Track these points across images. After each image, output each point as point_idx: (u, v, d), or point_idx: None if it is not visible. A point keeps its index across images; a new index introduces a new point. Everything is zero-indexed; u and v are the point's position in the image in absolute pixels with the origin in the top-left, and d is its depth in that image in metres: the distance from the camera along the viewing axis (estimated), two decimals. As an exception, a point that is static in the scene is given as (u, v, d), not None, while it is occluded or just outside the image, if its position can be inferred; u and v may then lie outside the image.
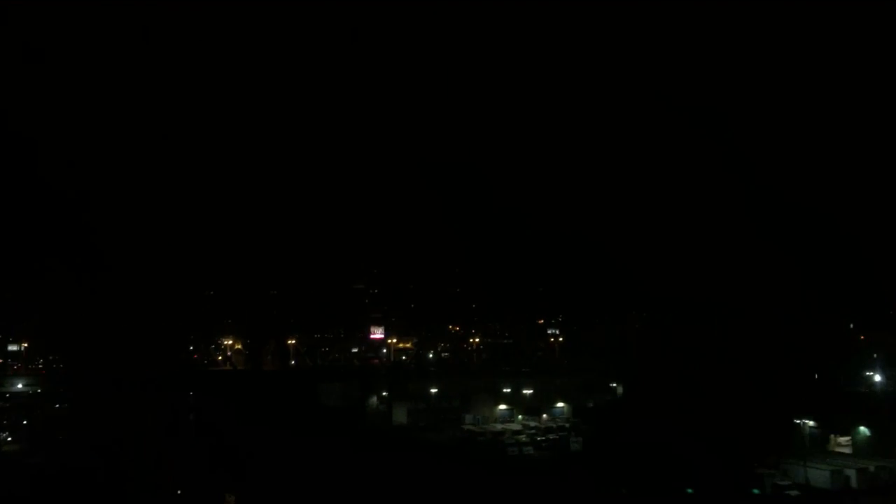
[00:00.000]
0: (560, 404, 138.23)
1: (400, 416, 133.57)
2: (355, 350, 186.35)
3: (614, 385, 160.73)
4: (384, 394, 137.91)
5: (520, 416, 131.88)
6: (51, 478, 77.30)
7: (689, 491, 63.40)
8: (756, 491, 62.75)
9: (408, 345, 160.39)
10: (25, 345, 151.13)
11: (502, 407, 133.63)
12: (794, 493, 61.98)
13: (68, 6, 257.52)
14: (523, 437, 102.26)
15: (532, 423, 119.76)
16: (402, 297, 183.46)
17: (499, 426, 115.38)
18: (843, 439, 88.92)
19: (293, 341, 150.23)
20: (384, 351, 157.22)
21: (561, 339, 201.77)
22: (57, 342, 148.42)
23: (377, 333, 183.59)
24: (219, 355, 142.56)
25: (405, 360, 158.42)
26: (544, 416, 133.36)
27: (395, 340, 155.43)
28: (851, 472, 66.63)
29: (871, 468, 67.79)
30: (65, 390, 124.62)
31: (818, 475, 67.15)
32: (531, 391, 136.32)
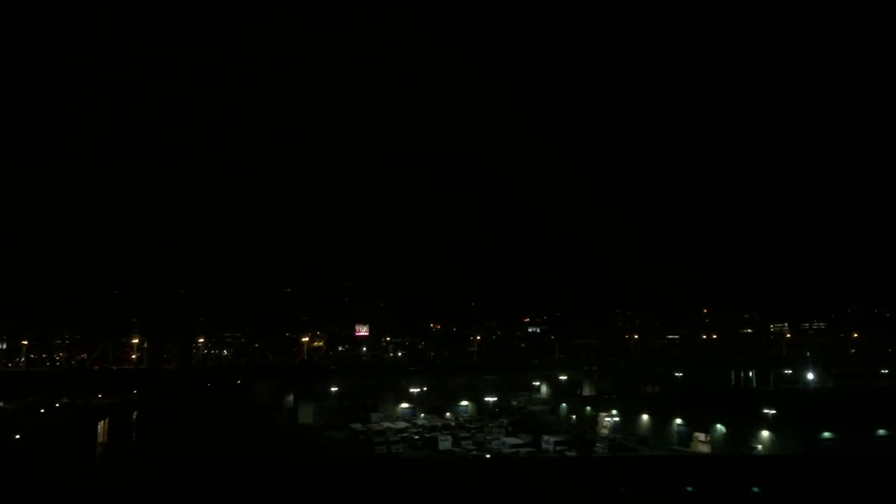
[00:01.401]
0: (464, 402, 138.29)
1: (306, 414, 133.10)
2: (342, 348, 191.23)
3: (537, 384, 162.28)
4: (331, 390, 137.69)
5: (422, 415, 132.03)
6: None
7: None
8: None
9: (320, 343, 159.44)
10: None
11: (405, 405, 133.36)
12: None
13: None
14: (396, 436, 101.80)
15: (420, 423, 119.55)
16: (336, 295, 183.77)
17: (385, 424, 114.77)
18: (704, 436, 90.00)
19: (202, 340, 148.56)
20: (296, 350, 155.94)
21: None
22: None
23: (362, 331, 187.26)
24: (127, 354, 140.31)
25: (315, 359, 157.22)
26: (447, 413, 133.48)
27: (308, 339, 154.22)
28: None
29: None
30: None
31: None
32: (437, 389, 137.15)
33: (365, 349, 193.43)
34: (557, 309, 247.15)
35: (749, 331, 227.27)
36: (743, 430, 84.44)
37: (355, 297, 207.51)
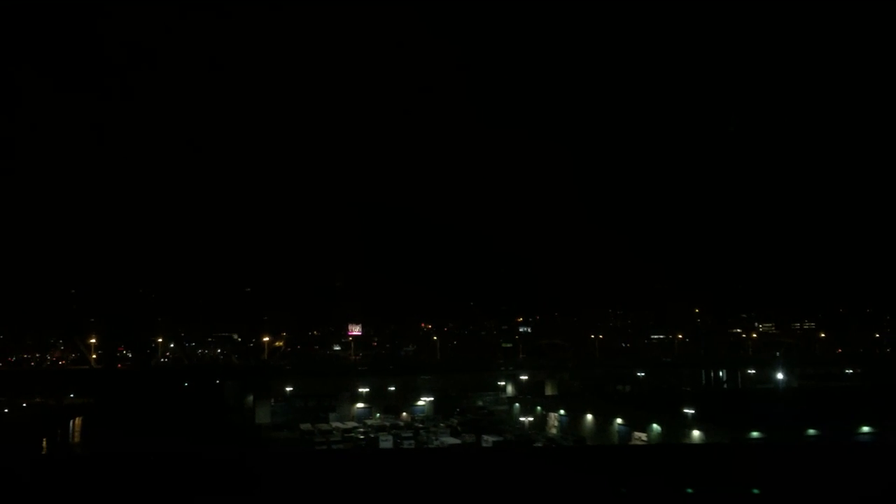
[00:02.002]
0: (421, 402, 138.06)
1: (263, 415, 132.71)
2: (337, 347, 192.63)
3: (502, 383, 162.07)
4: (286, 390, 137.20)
5: (377, 415, 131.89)
6: None
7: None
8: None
9: (280, 343, 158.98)
10: None
11: (360, 405, 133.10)
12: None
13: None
14: (342, 436, 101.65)
15: (371, 422, 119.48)
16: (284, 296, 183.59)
17: (335, 424, 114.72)
18: (642, 435, 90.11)
19: (161, 339, 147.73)
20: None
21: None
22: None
23: (355, 330, 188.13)
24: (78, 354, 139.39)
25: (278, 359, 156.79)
26: (404, 413, 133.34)
27: (268, 339, 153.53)
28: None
29: None
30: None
31: None
32: (393, 389, 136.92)
33: (352, 349, 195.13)
34: (533, 309, 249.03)
35: (736, 331, 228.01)
36: (675, 429, 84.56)
37: (346, 297, 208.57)
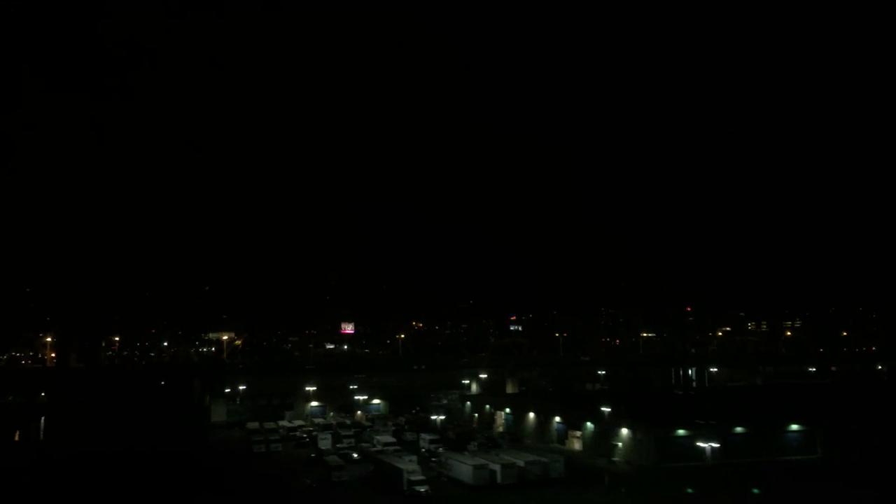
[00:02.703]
0: (376, 401, 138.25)
1: (218, 413, 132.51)
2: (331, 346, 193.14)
3: (466, 382, 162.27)
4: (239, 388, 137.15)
5: (331, 413, 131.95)
6: None
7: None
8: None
9: (238, 342, 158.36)
10: None
11: (314, 404, 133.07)
12: (423, 489, 61.29)
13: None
14: (278, 435, 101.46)
15: (319, 421, 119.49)
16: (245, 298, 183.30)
17: (283, 423, 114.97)
18: (577, 433, 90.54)
19: (118, 338, 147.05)
20: (213, 349, 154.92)
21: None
22: None
23: (348, 329, 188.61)
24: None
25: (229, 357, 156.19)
26: (358, 412, 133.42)
27: (226, 337, 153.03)
28: (497, 467, 66.55)
29: (521, 463, 67.89)
30: None
31: (462, 469, 67.11)
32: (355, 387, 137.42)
33: (346, 347, 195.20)
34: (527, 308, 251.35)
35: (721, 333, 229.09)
36: (606, 428, 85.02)
37: (338, 296, 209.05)
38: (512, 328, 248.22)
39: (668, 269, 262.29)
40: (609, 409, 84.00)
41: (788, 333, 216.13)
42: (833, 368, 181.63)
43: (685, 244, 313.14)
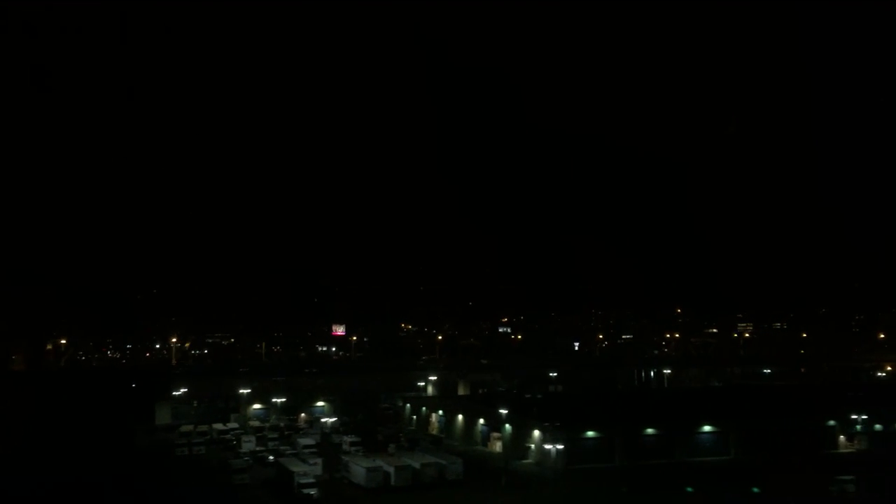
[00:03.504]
0: (320, 403, 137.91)
1: (163, 416, 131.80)
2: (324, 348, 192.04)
3: (422, 384, 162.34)
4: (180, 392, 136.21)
5: (273, 416, 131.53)
6: None
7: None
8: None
9: (187, 344, 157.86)
10: None
11: (256, 406, 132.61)
12: (312, 491, 61.24)
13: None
14: (199, 438, 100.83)
15: (255, 424, 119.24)
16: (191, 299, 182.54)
17: (216, 426, 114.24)
18: (497, 434, 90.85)
19: (64, 340, 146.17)
20: (165, 352, 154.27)
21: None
22: None
23: (339, 331, 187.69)
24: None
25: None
26: (302, 415, 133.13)
27: (175, 340, 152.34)
28: (391, 469, 66.63)
29: (417, 465, 67.95)
30: None
31: (358, 471, 67.17)
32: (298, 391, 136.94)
33: (334, 349, 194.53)
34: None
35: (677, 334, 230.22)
36: (521, 430, 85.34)
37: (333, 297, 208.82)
38: (501, 329, 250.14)
39: (639, 271, 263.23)
40: (505, 412, 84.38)
41: (746, 335, 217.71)
42: (802, 370, 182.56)
43: (655, 247, 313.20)
